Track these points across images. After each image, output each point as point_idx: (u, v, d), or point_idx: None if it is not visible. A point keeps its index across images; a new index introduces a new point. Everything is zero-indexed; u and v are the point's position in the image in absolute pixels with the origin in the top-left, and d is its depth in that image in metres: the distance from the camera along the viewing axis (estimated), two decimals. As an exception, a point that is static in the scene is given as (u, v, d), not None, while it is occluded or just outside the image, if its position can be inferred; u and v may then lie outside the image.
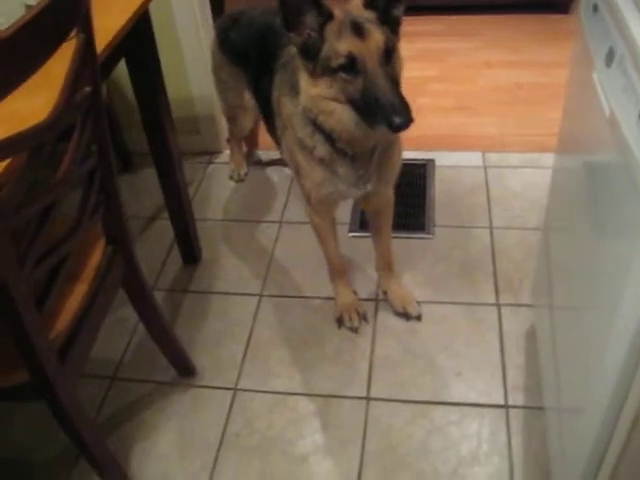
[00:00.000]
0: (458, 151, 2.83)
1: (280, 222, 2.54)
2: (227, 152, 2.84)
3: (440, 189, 2.62)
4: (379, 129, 1.51)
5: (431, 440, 1.77)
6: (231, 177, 2.78)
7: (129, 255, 1.65)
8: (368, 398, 1.89)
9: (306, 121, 1.68)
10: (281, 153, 2.72)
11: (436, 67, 3.47)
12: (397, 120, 1.45)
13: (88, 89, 1.32)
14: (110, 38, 1.58)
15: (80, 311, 1.45)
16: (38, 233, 1.21)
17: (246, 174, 2.79)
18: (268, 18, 1.99)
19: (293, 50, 1.63)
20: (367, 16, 1.53)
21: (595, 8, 1.28)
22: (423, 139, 2.80)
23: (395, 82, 1.52)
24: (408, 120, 1.45)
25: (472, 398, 1.86)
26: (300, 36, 1.53)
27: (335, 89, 1.53)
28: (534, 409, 1.79)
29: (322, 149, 1.71)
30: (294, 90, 1.67)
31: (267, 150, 2.87)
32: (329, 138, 1.67)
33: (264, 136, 2.78)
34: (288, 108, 1.76)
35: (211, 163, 2.90)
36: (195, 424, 1.87)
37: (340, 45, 1.49)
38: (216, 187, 2.77)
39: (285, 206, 2.61)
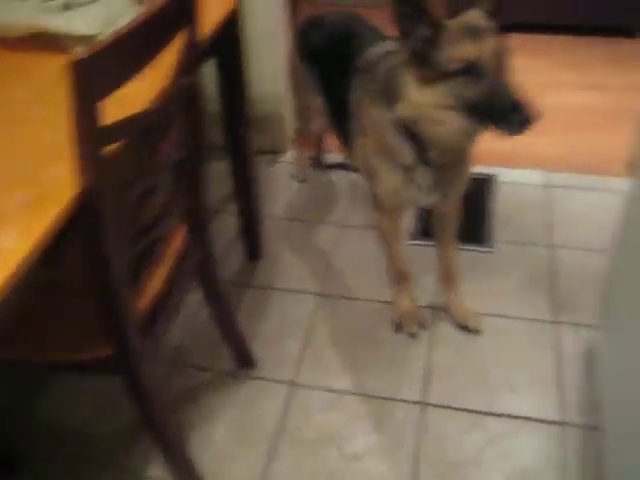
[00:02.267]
0: (521, 168, 2.84)
1: (341, 225, 2.58)
2: (291, 152, 2.89)
3: (501, 205, 2.64)
4: (504, 129, 1.53)
5: (485, 450, 1.78)
6: (294, 177, 2.83)
7: (207, 243, 1.70)
8: (423, 403, 1.91)
9: (397, 129, 1.71)
10: (345, 157, 2.78)
11: (502, 84, 3.47)
12: (524, 119, 1.48)
13: (189, 79, 1.37)
14: (208, 32, 1.64)
15: (161, 292, 1.50)
16: (137, 213, 1.26)
17: (309, 175, 2.83)
18: (347, 22, 2.03)
19: (398, 58, 1.64)
20: (484, 23, 1.56)
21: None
22: (486, 154, 2.80)
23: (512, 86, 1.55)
24: (533, 117, 1.48)
25: (527, 413, 1.86)
26: (412, 43, 1.56)
27: (452, 95, 1.55)
28: (591, 429, 1.79)
29: (408, 157, 1.74)
30: (386, 97, 1.69)
31: (332, 153, 2.90)
32: (418, 146, 1.70)
33: (330, 139, 2.84)
34: (374, 114, 1.78)
35: (276, 162, 2.95)
36: (252, 414, 1.91)
37: (460, 50, 1.52)
38: (279, 186, 2.82)
39: (347, 209, 2.65)
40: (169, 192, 1.45)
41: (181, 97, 1.37)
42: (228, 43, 1.91)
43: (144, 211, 1.33)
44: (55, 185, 1.16)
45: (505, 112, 1.50)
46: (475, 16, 1.58)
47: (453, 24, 1.56)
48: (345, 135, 2.03)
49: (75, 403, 1.97)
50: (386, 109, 1.70)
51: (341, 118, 1.99)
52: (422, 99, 1.59)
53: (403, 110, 1.64)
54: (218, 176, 2.31)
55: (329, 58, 2.12)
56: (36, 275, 1.06)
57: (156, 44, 1.15)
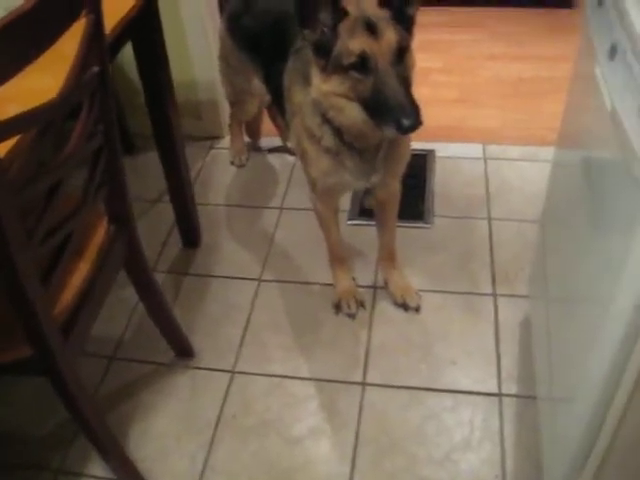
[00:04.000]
0: (458, 142, 2.84)
1: (280, 208, 2.55)
2: (228, 137, 2.85)
3: (440, 180, 2.64)
4: (387, 130, 1.52)
5: (425, 426, 1.79)
6: (232, 162, 2.79)
7: (131, 235, 1.67)
8: (364, 383, 1.91)
9: (315, 112, 1.69)
10: (283, 140, 2.76)
11: (439, 58, 3.48)
12: (405, 122, 1.45)
13: (96, 69, 1.33)
14: (118, 19, 1.60)
15: (83, 289, 1.47)
16: (45, 210, 1.23)
17: (247, 159, 2.80)
18: (282, 3, 2.00)
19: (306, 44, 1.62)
20: (381, 14, 1.52)
21: (600, 2, 1.30)
22: (424, 130, 2.74)
23: (406, 82, 1.52)
24: (416, 123, 1.46)
25: (466, 386, 1.88)
26: (314, 33, 1.53)
27: (346, 87, 1.54)
28: (527, 398, 1.82)
29: (329, 140, 1.72)
30: (306, 80, 1.67)
31: (268, 137, 2.88)
32: (337, 131, 1.68)
33: (266, 123, 2.81)
34: (298, 97, 1.76)
35: (212, 148, 2.90)
36: (193, 405, 1.89)
37: (353, 43, 1.49)
38: (217, 172, 2.78)
39: (286, 192, 2.63)
40: (83, 185, 1.41)
41: (89, 87, 1.33)
42: (145, 26, 1.86)
43: (57, 206, 1.29)
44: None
45: (389, 113, 1.47)
46: (370, 5, 1.54)
47: (354, 13, 1.52)
48: (283, 116, 2.01)
49: (7, 406, 1.93)
50: (306, 92, 1.68)
51: (280, 100, 1.96)
52: (324, 87, 1.58)
53: (313, 94, 1.63)
54: (156, 165, 2.26)
55: (267, 40, 2.06)
56: None
57: (47, 33, 1.11)
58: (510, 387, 1.87)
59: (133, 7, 1.67)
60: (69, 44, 1.26)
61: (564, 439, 1.38)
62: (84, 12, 1.25)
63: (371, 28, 1.49)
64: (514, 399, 1.84)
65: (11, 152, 1.12)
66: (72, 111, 1.29)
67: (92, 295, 1.50)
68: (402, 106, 1.46)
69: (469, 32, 3.72)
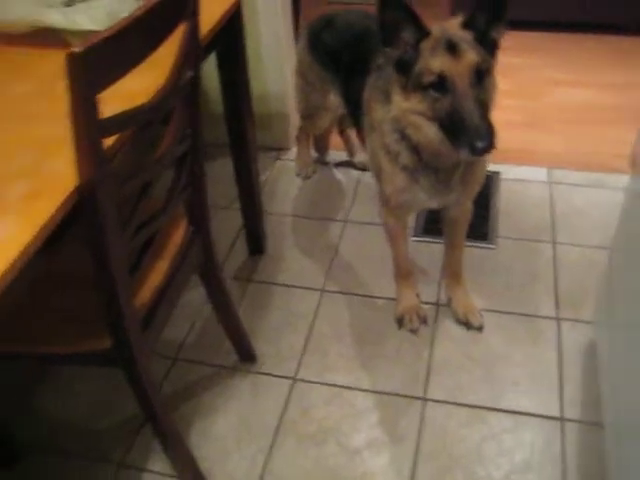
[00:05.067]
0: (524, 165, 2.84)
1: (345, 221, 2.58)
2: (295, 149, 2.89)
3: (504, 202, 2.64)
4: (461, 150, 1.52)
5: (485, 445, 1.78)
6: (298, 174, 2.84)
7: (207, 237, 1.71)
8: (425, 399, 1.91)
9: (394, 129, 1.71)
10: (350, 155, 2.80)
11: (505, 82, 3.46)
12: (479, 145, 1.46)
13: (190, 74, 1.38)
14: (208, 28, 1.65)
15: (161, 286, 1.51)
16: (137, 206, 1.27)
17: (314, 172, 2.84)
18: (364, 21, 2.03)
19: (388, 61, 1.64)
20: (464, 36, 1.53)
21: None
22: None
23: (484, 105, 1.53)
24: (490, 146, 1.47)
25: (528, 408, 1.87)
26: (396, 51, 1.56)
27: (424, 105, 1.55)
28: (590, 424, 1.80)
29: (407, 158, 1.74)
30: (387, 97, 1.69)
31: (335, 151, 2.92)
32: (415, 149, 1.70)
33: (332, 138, 2.85)
34: (378, 113, 1.78)
35: (279, 159, 2.96)
36: (253, 409, 1.92)
37: (433, 62, 1.51)
38: (283, 183, 2.83)
39: (351, 206, 2.65)
40: (169, 186, 1.46)
41: (183, 91, 1.38)
42: (230, 37, 1.91)
43: (145, 204, 1.33)
44: (55, 177, 1.17)
45: (463, 134, 1.48)
46: (453, 26, 1.56)
47: (436, 33, 1.54)
48: (361, 132, 2.04)
49: (71, 402, 1.98)
50: (386, 109, 1.71)
51: (357, 115, 2.00)
52: (404, 105, 1.60)
53: (393, 112, 1.66)
54: (225, 173, 2.32)
55: (347, 57, 2.10)
56: (35, 266, 1.07)
57: (155, 37, 1.16)
58: (573, 412, 1.85)
59: (223, 17, 1.72)
60: (163, 47, 1.31)
61: (632, 470, 1.36)
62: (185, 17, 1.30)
63: (452, 48, 1.51)
64: (577, 424, 1.82)
65: (113, 148, 1.17)
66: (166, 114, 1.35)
67: (168, 294, 1.54)
68: (476, 128, 1.47)
69: (532, 57, 3.72)
